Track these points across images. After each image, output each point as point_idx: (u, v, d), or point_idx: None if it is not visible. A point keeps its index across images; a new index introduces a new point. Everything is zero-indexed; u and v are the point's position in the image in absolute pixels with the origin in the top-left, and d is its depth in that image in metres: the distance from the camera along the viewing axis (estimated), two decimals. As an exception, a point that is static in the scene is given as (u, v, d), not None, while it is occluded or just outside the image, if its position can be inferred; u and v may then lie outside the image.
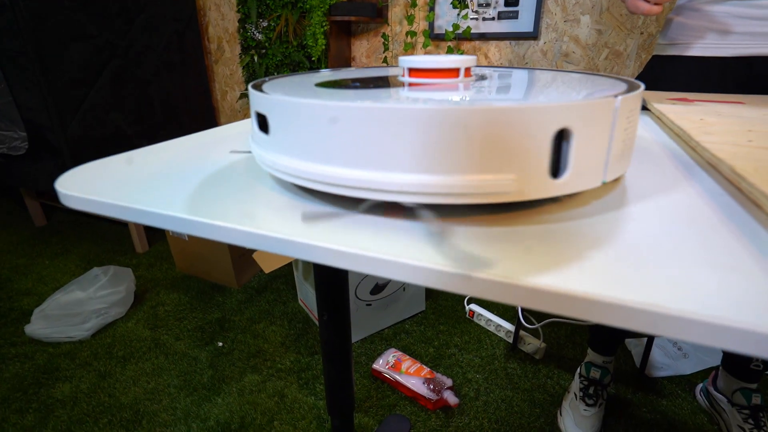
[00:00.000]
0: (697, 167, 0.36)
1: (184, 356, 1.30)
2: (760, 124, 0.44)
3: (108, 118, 1.74)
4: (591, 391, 1.05)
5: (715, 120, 0.46)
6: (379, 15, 1.73)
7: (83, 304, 1.38)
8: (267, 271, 1.59)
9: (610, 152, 0.27)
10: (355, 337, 1.35)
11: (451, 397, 1.08)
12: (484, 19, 1.62)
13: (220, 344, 1.35)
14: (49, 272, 1.76)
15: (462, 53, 1.68)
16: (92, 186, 0.33)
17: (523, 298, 0.20)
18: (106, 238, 2.07)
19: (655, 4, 0.57)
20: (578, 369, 1.11)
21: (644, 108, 0.63)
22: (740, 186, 0.29)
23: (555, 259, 0.21)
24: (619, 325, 0.19)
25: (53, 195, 2.11)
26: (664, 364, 1.22)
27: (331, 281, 0.60)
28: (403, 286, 1.38)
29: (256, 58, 2.00)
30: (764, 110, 0.52)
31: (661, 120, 0.54)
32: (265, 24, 1.91)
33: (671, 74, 0.73)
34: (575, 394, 1.07)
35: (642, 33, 1.47)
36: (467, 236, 0.24)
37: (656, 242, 0.23)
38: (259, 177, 0.34)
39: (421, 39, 1.74)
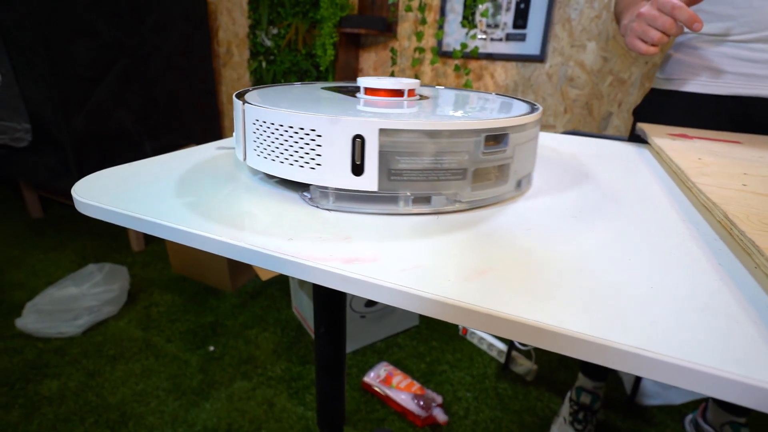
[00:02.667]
0: (693, 208, 0.37)
1: (174, 359, 1.30)
2: (756, 167, 0.46)
3: (112, 115, 1.75)
4: (581, 416, 1.05)
5: (712, 160, 0.48)
6: (388, 29, 1.76)
7: (76, 300, 1.38)
8: (264, 278, 1.59)
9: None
10: (348, 348, 1.35)
11: (440, 415, 1.08)
12: (492, 39, 1.65)
13: (212, 348, 1.35)
14: (43, 266, 1.75)
15: (469, 72, 1.70)
16: (107, 194, 0.33)
17: (508, 330, 0.21)
18: (103, 234, 2.06)
19: (652, 45, 0.58)
20: (569, 393, 1.11)
21: (645, 141, 0.65)
22: (732, 232, 0.30)
23: (556, 300, 0.22)
24: (604, 364, 0.20)
25: (51, 187, 2.11)
26: (654, 393, 1.22)
27: (330, 294, 0.60)
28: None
29: (264, 64, 2.02)
30: (760, 152, 0.53)
31: (659, 155, 0.55)
32: (275, 31, 1.94)
33: (668, 108, 0.75)
34: (564, 419, 1.07)
35: (647, 62, 1.49)
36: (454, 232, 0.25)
37: (649, 284, 0.24)
38: (271, 192, 0.34)
39: (429, 55, 1.77)
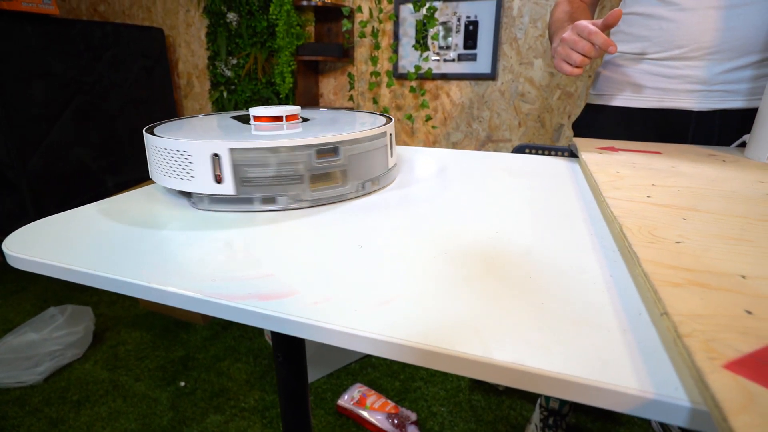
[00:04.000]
0: (603, 222, 0.40)
1: (143, 398, 1.26)
2: (664, 177, 0.50)
3: (71, 153, 1.72)
4: (551, 421, 1.07)
5: (628, 173, 0.52)
6: (345, 55, 1.80)
7: (37, 347, 1.33)
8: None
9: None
10: (321, 372, 1.34)
11: (415, 432, 1.08)
12: (444, 60, 1.71)
13: (183, 384, 1.32)
14: (2, 312, 1.68)
15: (424, 92, 1.76)
16: (41, 246, 0.34)
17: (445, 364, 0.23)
18: (66, 274, 2.00)
19: (577, 67, 0.63)
20: (539, 399, 1.14)
21: (576, 156, 0.69)
22: (624, 243, 0.33)
23: (449, 323, 0.24)
24: (488, 380, 0.22)
25: (9, 230, 2.03)
26: (621, 391, 1.26)
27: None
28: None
29: (225, 93, 2.04)
30: (674, 161, 0.58)
31: (586, 169, 0.59)
32: (234, 61, 1.96)
33: (601, 122, 0.80)
34: (536, 425, 1.09)
35: (590, 76, 1.58)
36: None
37: (540, 301, 0.26)
38: (206, 233, 0.36)
39: (385, 79, 1.82)
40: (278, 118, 0.48)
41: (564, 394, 0.21)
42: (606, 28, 0.63)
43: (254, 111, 0.48)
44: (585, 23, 0.62)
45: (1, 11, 1.46)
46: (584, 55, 0.63)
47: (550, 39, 0.79)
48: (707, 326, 0.21)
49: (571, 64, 0.64)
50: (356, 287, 0.28)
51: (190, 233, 0.36)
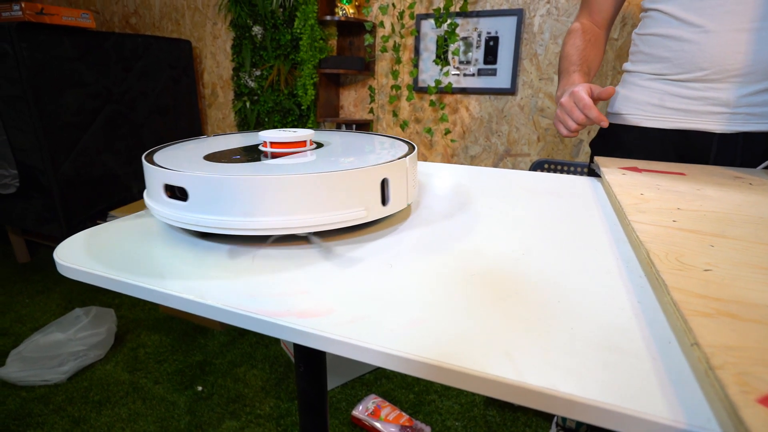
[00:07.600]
0: (628, 245, 0.40)
1: (162, 401, 1.29)
2: (690, 200, 0.50)
3: (99, 159, 1.78)
4: (567, 440, 1.06)
5: (652, 195, 0.52)
6: (366, 68, 1.83)
7: (62, 346, 1.37)
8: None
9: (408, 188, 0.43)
10: (336, 382, 1.35)
11: (429, 446, 1.08)
12: (464, 75, 1.73)
13: (200, 389, 1.34)
14: (29, 311, 1.74)
15: (444, 106, 1.77)
16: (89, 256, 0.36)
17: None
18: (90, 276, 2.05)
19: (573, 130, 0.69)
20: (555, 417, 1.13)
21: (596, 174, 0.69)
22: (652, 269, 0.33)
23: (479, 344, 0.25)
24: (521, 404, 0.23)
25: (38, 232, 2.11)
26: (640, 412, 1.23)
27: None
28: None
29: (248, 104, 2.09)
30: (699, 184, 0.58)
31: (609, 190, 0.59)
32: (258, 73, 2.01)
33: (618, 142, 0.80)
34: (552, 444, 1.07)
35: (610, 92, 1.57)
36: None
37: (569, 326, 0.27)
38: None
39: (405, 92, 1.84)
40: (288, 144, 0.47)
41: (597, 420, 0.21)
42: (599, 100, 0.67)
43: (264, 135, 0.47)
44: (582, 93, 0.65)
45: (43, 25, 1.54)
46: (578, 123, 0.67)
47: (558, 75, 0.81)
48: (739, 359, 0.21)
49: (567, 128, 0.68)
50: (388, 306, 0.29)
51: (229, 248, 0.38)
